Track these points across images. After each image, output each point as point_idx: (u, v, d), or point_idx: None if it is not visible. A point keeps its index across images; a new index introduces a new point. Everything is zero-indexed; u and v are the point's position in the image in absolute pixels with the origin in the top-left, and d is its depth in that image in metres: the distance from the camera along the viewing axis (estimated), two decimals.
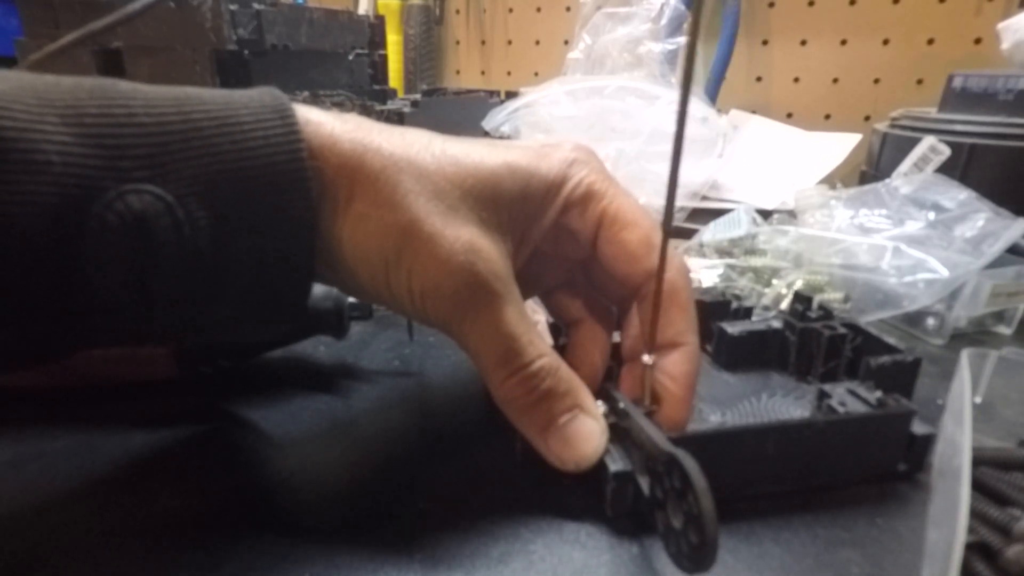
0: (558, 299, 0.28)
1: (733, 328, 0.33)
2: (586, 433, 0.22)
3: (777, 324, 0.33)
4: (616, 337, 0.27)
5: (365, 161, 0.20)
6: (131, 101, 0.18)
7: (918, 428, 0.24)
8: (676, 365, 0.23)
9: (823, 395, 0.25)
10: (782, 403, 0.30)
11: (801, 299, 0.33)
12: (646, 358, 0.23)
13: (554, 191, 0.23)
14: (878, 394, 0.25)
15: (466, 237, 0.21)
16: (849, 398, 0.25)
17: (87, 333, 0.19)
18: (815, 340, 0.31)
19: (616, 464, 0.22)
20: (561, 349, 0.27)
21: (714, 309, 0.34)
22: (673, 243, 0.21)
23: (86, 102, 0.17)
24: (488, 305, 0.21)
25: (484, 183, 0.22)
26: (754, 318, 0.35)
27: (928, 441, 0.24)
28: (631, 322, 0.26)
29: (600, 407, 0.23)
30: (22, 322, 0.18)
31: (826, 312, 0.32)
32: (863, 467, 0.24)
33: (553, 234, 0.24)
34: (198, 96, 0.19)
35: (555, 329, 0.30)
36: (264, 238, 0.19)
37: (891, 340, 0.29)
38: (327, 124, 0.20)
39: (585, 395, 0.23)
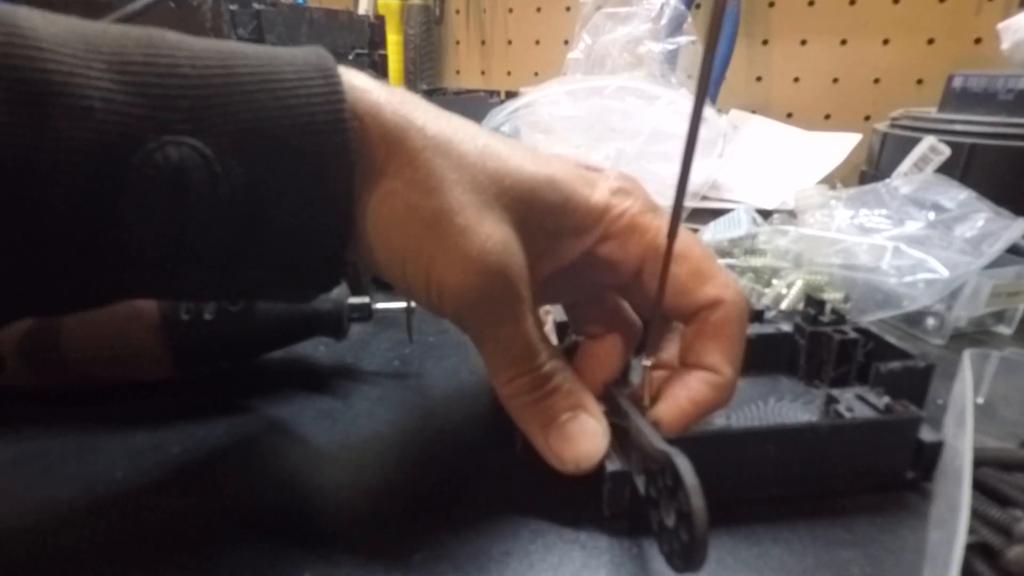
0: (583, 312, 0.27)
1: None
2: (587, 431, 0.22)
3: (787, 328, 0.32)
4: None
5: (407, 137, 0.20)
6: (176, 52, 0.18)
7: (926, 435, 0.24)
8: (700, 391, 0.22)
9: (831, 400, 0.25)
10: (790, 407, 0.29)
11: (813, 303, 0.32)
12: (645, 361, 0.23)
13: (592, 219, 0.22)
14: (886, 400, 0.24)
15: (500, 236, 0.20)
16: (857, 403, 0.24)
17: (122, 284, 0.19)
18: (825, 345, 0.30)
19: (613, 464, 0.22)
20: (568, 350, 0.27)
21: None
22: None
23: (132, 51, 0.17)
24: (515, 309, 0.21)
25: (522, 186, 0.21)
26: (764, 321, 0.35)
27: (937, 449, 0.24)
28: (670, 344, 0.25)
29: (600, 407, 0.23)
30: (60, 268, 0.18)
31: (838, 316, 0.31)
32: (870, 474, 0.24)
33: (586, 260, 0.23)
34: (242, 51, 0.19)
35: (561, 329, 0.30)
36: (301, 199, 0.19)
37: (904, 346, 0.28)
38: (373, 92, 0.20)
39: (587, 396, 0.22)
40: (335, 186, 0.19)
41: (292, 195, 0.19)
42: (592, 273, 0.24)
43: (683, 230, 0.23)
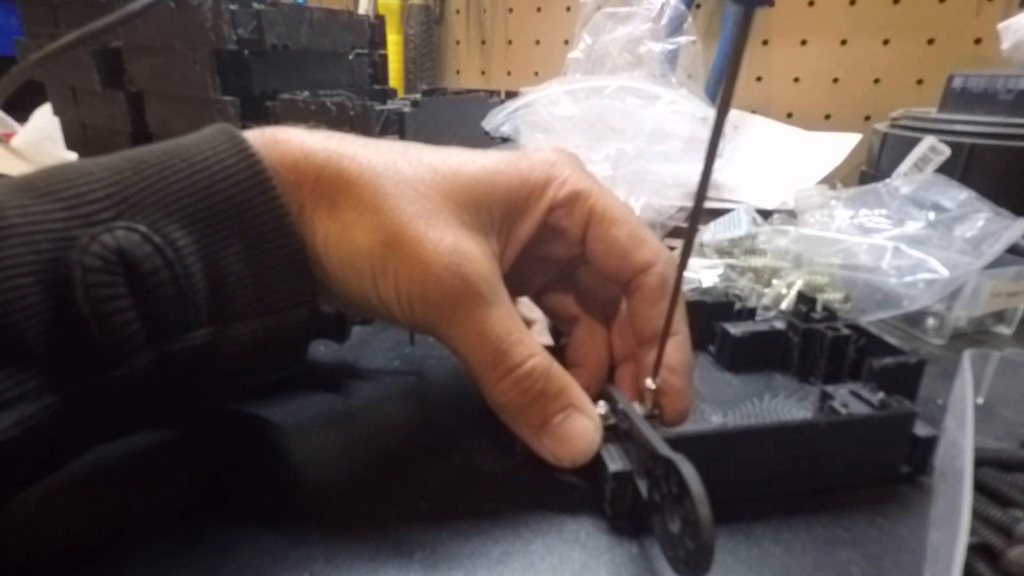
0: (551, 298, 0.28)
1: (736, 329, 0.32)
2: (580, 431, 0.22)
3: (780, 325, 0.33)
4: None
5: (343, 167, 0.21)
6: (73, 164, 0.19)
7: (921, 430, 0.24)
8: (671, 355, 0.23)
9: (825, 396, 0.25)
10: (784, 404, 0.30)
11: (805, 300, 0.32)
12: (649, 382, 0.23)
13: (538, 192, 0.24)
14: (881, 395, 0.24)
15: (449, 240, 0.21)
16: (851, 399, 0.24)
17: (118, 396, 0.18)
18: (818, 341, 0.31)
19: (615, 464, 0.22)
20: (563, 349, 0.27)
21: (717, 310, 0.34)
22: (673, 243, 0.21)
23: (35, 176, 0.18)
24: (475, 307, 0.21)
25: (463, 187, 0.22)
26: (757, 319, 0.35)
27: (931, 443, 0.24)
28: (619, 322, 0.26)
29: (601, 407, 0.23)
30: (52, 391, 0.17)
31: (830, 313, 0.32)
32: (866, 469, 0.24)
33: (540, 235, 0.24)
34: (136, 149, 0.20)
35: (556, 330, 0.30)
36: (246, 239, 0.20)
37: (895, 341, 0.29)
38: (295, 139, 0.21)
39: (577, 393, 0.23)
40: (269, 212, 0.20)
41: (238, 239, 0.19)
42: (546, 248, 0.25)
43: (616, 197, 0.25)
